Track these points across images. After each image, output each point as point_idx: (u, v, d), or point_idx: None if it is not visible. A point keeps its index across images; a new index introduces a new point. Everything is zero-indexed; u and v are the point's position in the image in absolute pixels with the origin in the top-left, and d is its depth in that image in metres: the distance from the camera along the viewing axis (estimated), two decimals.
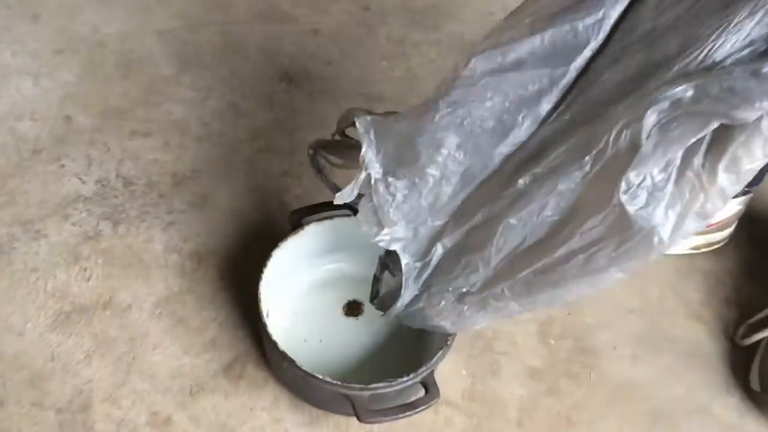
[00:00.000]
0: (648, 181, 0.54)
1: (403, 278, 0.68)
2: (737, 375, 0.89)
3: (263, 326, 0.76)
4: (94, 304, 0.84)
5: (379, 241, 0.67)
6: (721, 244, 0.99)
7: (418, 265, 0.68)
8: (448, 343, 0.76)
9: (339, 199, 0.67)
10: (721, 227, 0.96)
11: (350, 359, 0.82)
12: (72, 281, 0.85)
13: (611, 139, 0.55)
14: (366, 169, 0.65)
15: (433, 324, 0.72)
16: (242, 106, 1.04)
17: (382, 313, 0.75)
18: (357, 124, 0.65)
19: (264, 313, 0.77)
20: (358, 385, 0.73)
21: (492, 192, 0.63)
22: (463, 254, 0.65)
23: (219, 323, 0.85)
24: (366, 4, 1.20)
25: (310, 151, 0.77)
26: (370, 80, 1.10)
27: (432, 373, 0.75)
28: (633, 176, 0.53)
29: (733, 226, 0.98)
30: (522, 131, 0.61)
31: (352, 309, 0.85)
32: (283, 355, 0.74)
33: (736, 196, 0.92)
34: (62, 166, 0.94)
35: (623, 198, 0.54)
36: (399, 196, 0.64)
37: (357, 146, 0.65)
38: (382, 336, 0.84)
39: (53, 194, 0.91)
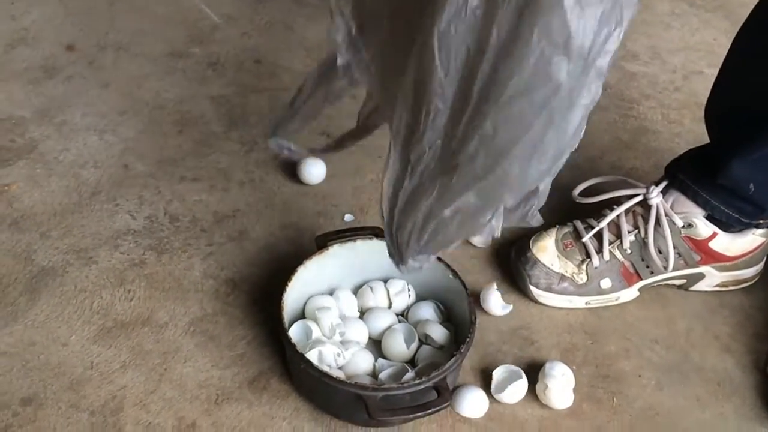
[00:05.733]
0: None
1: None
2: None
3: (283, 331, 0.80)
4: (134, 321, 0.90)
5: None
6: (751, 282, 0.98)
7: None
8: (462, 350, 0.78)
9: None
10: (748, 263, 0.96)
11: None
12: (116, 301, 0.92)
13: None
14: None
15: (426, 208, 0.61)
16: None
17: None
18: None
19: (287, 323, 0.81)
20: (370, 385, 0.75)
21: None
22: (424, 100, 0.55)
23: (248, 341, 0.89)
24: None
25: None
26: None
27: (444, 378, 0.77)
28: None
29: (761, 264, 0.98)
30: None
31: None
32: (301, 356, 0.77)
33: (758, 226, 0.93)
34: (117, 204, 1.03)
35: None
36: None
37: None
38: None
39: (106, 228, 1.00)
